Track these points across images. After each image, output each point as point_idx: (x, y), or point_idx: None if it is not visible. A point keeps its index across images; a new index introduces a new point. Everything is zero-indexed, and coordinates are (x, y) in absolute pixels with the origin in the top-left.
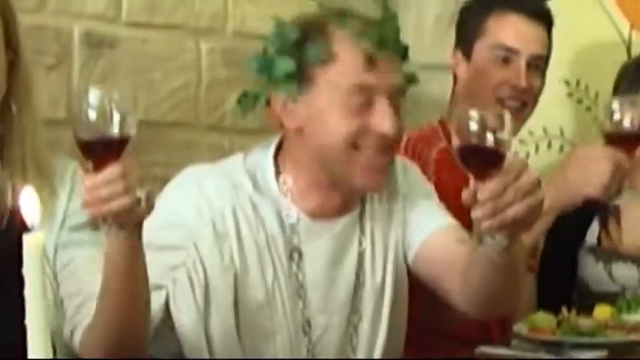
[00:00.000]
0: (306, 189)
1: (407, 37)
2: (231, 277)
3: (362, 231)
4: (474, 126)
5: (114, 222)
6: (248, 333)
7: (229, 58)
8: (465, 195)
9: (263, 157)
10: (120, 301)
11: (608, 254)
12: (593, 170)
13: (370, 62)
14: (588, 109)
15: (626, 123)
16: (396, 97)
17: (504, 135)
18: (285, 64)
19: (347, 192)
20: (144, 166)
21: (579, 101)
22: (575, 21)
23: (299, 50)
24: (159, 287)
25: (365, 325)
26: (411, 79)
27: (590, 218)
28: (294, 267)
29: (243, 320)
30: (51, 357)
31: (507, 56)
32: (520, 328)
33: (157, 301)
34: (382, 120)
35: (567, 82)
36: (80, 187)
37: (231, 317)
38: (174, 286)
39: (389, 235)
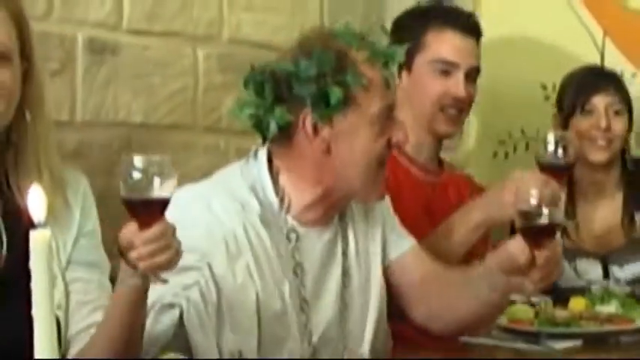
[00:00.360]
0: (311, 204)
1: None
2: (253, 295)
3: (344, 235)
4: (533, 201)
5: (155, 273)
6: (264, 345)
7: (225, 63)
8: (522, 259)
9: (259, 172)
10: (121, 333)
11: (572, 252)
12: (524, 192)
13: (387, 84)
14: None
15: (559, 154)
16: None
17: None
18: (337, 92)
19: (344, 204)
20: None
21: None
22: (551, 29)
23: (340, 75)
24: (172, 306)
25: (354, 318)
26: None
27: None
28: (299, 280)
29: (263, 332)
30: (55, 345)
31: (447, 69)
32: (501, 319)
33: (169, 319)
34: (401, 132)
35: (544, 87)
36: (92, 207)
37: (254, 333)
38: (188, 305)
39: (368, 237)
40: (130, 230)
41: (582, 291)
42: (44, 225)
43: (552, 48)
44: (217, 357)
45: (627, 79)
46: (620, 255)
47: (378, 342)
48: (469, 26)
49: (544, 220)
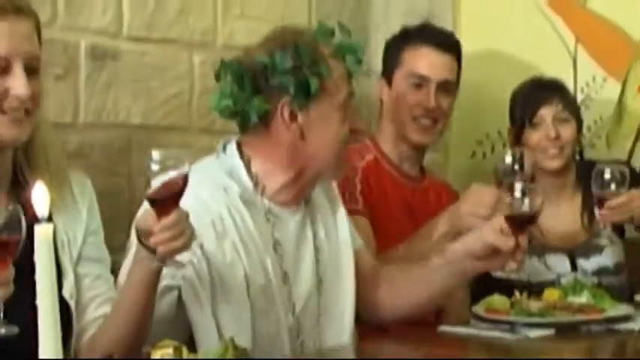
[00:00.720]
0: (284, 186)
1: (377, 49)
2: (241, 271)
3: (312, 218)
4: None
5: (172, 256)
6: (255, 315)
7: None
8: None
9: (232, 162)
10: (136, 313)
11: (541, 249)
12: (480, 204)
13: (349, 75)
14: None
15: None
16: None
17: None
18: (315, 82)
19: (313, 184)
20: (142, 165)
21: None
22: (526, 37)
23: (315, 67)
24: (170, 288)
25: (329, 291)
26: None
27: None
28: (279, 255)
29: (252, 304)
30: (59, 330)
31: (419, 82)
32: (478, 309)
33: (169, 300)
34: (358, 119)
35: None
36: (96, 206)
37: (246, 305)
38: (185, 283)
39: (336, 219)
40: (148, 218)
41: (553, 283)
42: (48, 220)
43: (527, 55)
44: (215, 329)
45: (599, 83)
46: (585, 248)
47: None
48: (445, 43)
49: (526, 209)
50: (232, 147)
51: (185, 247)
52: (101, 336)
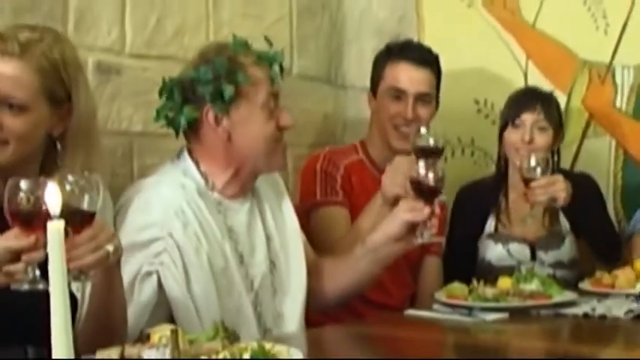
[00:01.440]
0: (228, 181)
1: (350, 65)
2: (204, 255)
3: (259, 207)
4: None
5: (87, 272)
6: (220, 293)
7: None
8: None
9: (185, 164)
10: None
11: (505, 237)
12: (398, 173)
13: (272, 79)
14: (493, 122)
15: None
16: None
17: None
18: (230, 89)
19: (253, 178)
20: (143, 168)
21: (486, 116)
22: (483, 54)
23: (232, 76)
24: (149, 274)
25: (280, 271)
26: None
27: (486, 215)
28: (233, 241)
29: (216, 283)
30: (69, 314)
31: (398, 95)
32: (440, 295)
33: (150, 286)
34: (287, 117)
35: (477, 102)
36: (109, 205)
37: (211, 284)
38: (163, 268)
39: (282, 208)
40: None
41: (512, 269)
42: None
43: (484, 70)
44: (192, 306)
45: None
46: (545, 243)
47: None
48: (422, 58)
49: (431, 182)
50: (185, 152)
51: (98, 264)
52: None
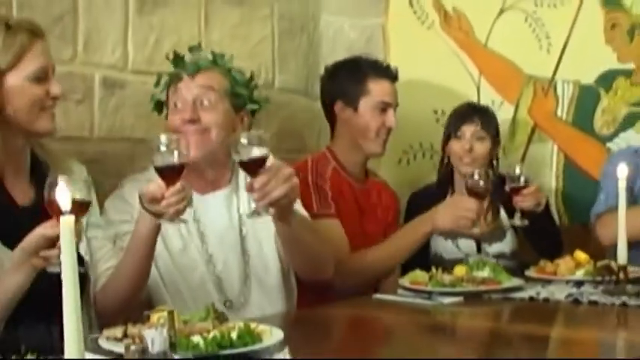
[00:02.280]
0: (193, 178)
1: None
2: (160, 237)
3: (237, 198)
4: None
5: (178, 216)
6: (182, 270)
7: None
8: (248, 187)
9: None
10: (140, 262)
11: (454, 233)
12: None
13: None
14: None
15: None
16: None
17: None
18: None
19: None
20: (143, 169)
21: (443, 125)
22: (440, 70)
23: None
24: (121, 249)
25: (254, 260)
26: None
27: None
28: (199, 227)
29: (175, 262)
30: (78, 296)
31: (384, 107)
32: (404, 281)
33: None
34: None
35: (435, 111)
36: (92, 186)
37: (170, 262)
38: None
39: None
40: (154, 187)
41: (461, 261)
42: (70, 212)
43: (442, 84)
44: (160, 280)
45: (497, 105)
46: (489, 237)
47: (287, 275)
48: (393, 75)
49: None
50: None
51: (186, 208)
52: (112, 283)
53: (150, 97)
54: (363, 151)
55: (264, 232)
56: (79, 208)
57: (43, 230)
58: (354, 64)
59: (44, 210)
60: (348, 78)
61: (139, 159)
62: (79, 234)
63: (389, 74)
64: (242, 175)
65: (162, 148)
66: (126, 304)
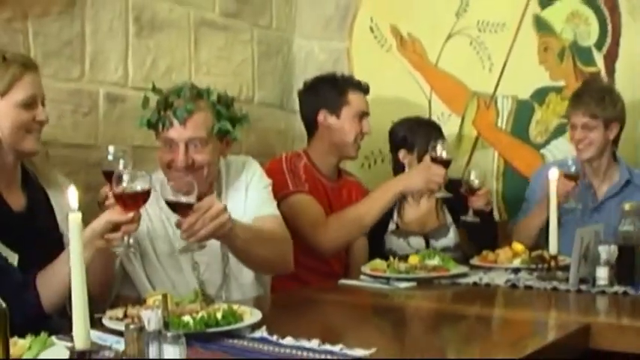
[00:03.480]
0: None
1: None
2: (148, 240)
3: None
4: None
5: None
6: (168, 271)
7: None
8: (177, 225)
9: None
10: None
11: (405, 233)
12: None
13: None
14: None
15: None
16: None
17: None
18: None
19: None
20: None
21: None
22: (397, 86)
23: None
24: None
25: (232, 262)
26: None
27: (389, 215)
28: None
29: (162, 263)
30: (85, 287)
31: (362, 116)
32: (365, 268)
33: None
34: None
35: (393, 122)
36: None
37: (157, 263)
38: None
39: (235, 198)
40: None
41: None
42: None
43: (399, 98)
44: (146, 280)
45: (446, 117)
46: (435, 233)
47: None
48: (367, 89)
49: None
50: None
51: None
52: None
53: (139, 119)
54: (338, 154)
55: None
56: (141, 197)
57: (109, 216)
58: (334, 79)
59: (35, 214)
60: (330, 90)
61: (138, 163)
62: (139, 220)
63: (363, 88)
64: (224, 187)
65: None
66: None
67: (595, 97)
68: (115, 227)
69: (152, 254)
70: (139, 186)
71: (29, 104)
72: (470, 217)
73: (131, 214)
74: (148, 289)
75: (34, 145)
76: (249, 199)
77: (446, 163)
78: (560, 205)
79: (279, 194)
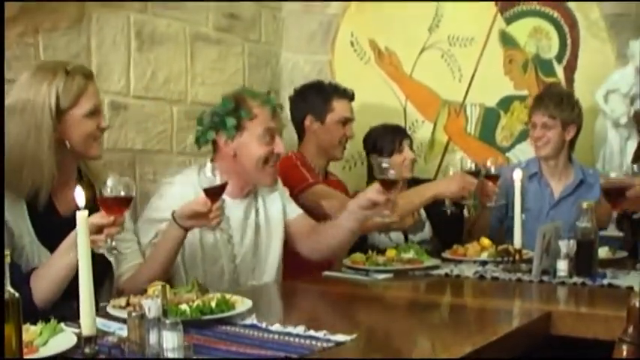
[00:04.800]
0: (231, 184)
1: (285, 103)
2: (197, 231)
3: (256, 205)
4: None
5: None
6: (206, 261)
7: (189, 116)
8: (382, 199)
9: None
10: (165, 259)
11: (386, 228)
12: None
13: (272, 115)
14: None
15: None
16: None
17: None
18: (232, 121)
19: (249, 186)
20: (142, 174)
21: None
22: (376, 95)
23: (236, 112)
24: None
25: (262, 252)
26: None
27: None
28: (227, 225)
29: (204, 254)
30: (91, 280)
31: (345, 121)
32: (346, 261)
33: None
34: (279, 146)
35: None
36: None
37: (199, 253)
38: None
39: (273, 204)
40: (194, 205)
41: (393, 247)
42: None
43: (376, 106)
44: (182, 268)
45: (419, 124)
46: (413, 228)
47: (279, 268)
48: (352, 96)
49: (392, 176)
50: (209, 159)
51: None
52: (140, 276)
53: (148, 117)
54: (326, 156)
55: (275, 233)
56: (124, 202)
57: (93, 219)
58: (321, 87)
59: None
60: (316, 98)
61: (139, 166)
62: (122, 224)
63: (348, 95)
64: (269, 190)
65: (209, 174)
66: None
67: (554, 99)
68: (99, 230)
69: (197, 243)
70: (122, 192)
71: (93, 113)
72: (449, 207)
73: (112, 218)
74: (182, 276)
75: (98, 150)
76: (284, 198)
77: (477, 175)
78: (484, 205)
79: (302, 186)
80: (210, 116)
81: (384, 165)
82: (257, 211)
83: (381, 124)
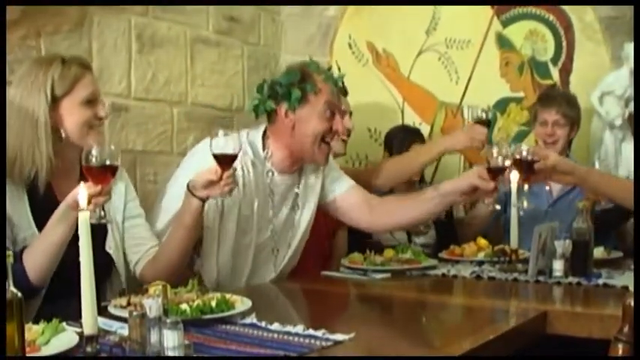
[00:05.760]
0: (282, 157)
1: None
2: (237, 200)
3: (299, 181)
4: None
5: (231, 192)
6: (238, 231)
7: (188, 117)
8: (491, 186)
9: (256, 136)
10: (189, 233)
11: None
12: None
13: (333, 92)
14: (380, 144)
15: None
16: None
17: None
18: (297, 92)
19: (300, 162)
20: (142, 174)
21: (375, 140)
22: (374, 97)
23: (301, 84)
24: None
25: (294, 230)
26: None
27: None
28: (270, 198)
29: (238, 223)
30: (92, 275)
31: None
32: (344, 261)
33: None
34: (344, 122)
35: (369, 130)
36: (130, 183)
37: (234, 222)
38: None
39: (314, 183)
40: (206, 174)
41: (395, 246)
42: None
43: (375, 108)
44: (217, 235)
45: (417, 125)
46: (416, 230)
47: (303, 239)
48: (345, 91)
49: (500, 163)
50: (261, 129)
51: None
52: (160, 257)
53: (148, 118)
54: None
55: (307, 204)
56: (109, 170)
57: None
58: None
59: None
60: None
61: (140, 166)
62: (109, 193)
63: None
64: (314, 169)
65: (221, 140)
66: (177, 266)
67: (565, 98)
68: (87, 200)
69: (235, 211)
70: (107, 161)
71: (91, 101)
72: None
73: (99, 187)
74: (213, 269)
75: (95, 140)
76: (333, 173)
77: (487, 123)
78: (476, 148)
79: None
80: (272, 86)
81: (494, 152)
82: (298, 188)
83: (401, 125)
